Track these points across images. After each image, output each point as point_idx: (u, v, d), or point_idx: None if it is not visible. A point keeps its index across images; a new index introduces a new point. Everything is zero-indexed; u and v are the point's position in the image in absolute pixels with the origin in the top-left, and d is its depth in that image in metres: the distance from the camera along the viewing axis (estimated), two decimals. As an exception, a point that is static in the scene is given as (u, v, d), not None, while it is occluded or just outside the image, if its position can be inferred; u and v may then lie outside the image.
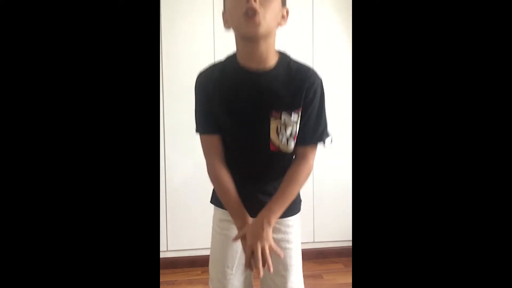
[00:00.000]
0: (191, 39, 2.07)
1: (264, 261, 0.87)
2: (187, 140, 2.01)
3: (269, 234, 0.89)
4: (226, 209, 1.00)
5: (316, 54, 2.19)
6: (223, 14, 0.94)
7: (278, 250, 0.92)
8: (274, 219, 0.91)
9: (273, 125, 0.93)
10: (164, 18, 2.04)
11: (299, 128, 0.95)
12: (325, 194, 2.22)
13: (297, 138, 0.96)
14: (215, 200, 1.06)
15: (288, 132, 0.94)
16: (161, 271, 2.10)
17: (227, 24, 0.92)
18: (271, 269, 0.88)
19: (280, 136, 0.94)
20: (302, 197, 1.08)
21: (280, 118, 0.93)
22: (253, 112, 0.93)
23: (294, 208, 1.03)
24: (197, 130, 1.00)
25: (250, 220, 0.94)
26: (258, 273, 0.87)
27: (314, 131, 0.95)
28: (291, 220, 1.03)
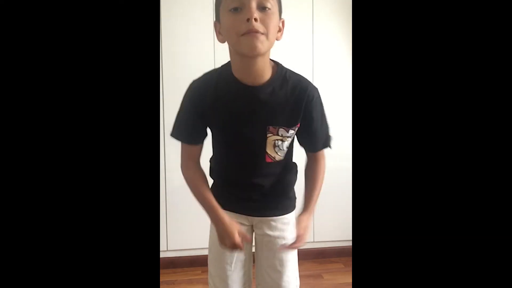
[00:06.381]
0: (191, 39, 2.07)
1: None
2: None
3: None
4: (223, 209, 1.01)
5: (316, 53, 2.19)
6: (215, 24, 0.89)
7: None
8: (312, 215, 0.99)
9: (270, 140, 0.94)
10: (164, 18, 2.04)
11: (305, 137, 0.99)
12: (325, 194, 2.21)
13: (305, 146, 1.02)
14: None
15: (285, 146, 0.97)
16: (161, 271, 2.10)
17: (222, 37, 0.87)
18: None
19: (277, 150, 0.96)
20: (302, 197, 1.09)
21: (277, 134, 0.94)
22: (250, 127, 0.93)
23: (290, 206, 1.08)
24: (174, 136, 0.97)
25: (227, 219, 0.95)
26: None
27: (320, 139, 0.99)
28: (287, 218, 1.06)
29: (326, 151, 1.03)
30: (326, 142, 1.01)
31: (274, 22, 0.82)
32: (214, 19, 0.89)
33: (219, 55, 2.07)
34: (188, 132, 0.96)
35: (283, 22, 0.89)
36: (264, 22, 0.80)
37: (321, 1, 2.16)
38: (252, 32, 0.79)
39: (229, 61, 0.92)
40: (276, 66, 0.93)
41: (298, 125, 0.94)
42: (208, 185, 1.01)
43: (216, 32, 0.89)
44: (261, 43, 0.80)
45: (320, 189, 1.05)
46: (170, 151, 2.09)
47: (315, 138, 0.99)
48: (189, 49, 2.07)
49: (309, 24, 2.16)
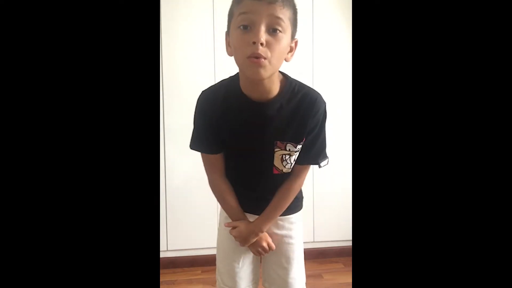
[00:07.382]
0: (191, 40, 2.07)
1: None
2: (187, 140, 2.05)
3: (261, 239, 1.03)
4: None
5: (316, 53, 2.19)
6: (226, 36, 0.86)
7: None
8: (264, 229, 1.02)
9: (277, 154, 0.94)
10: (164, 18, 2.04)
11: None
12: (325, 194, 2.22)
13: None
14: None
15: (292, 159, 0.96)
16: (161, 271, 2.10)
17: (231, 51, 0.84)
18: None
19: (284, 163, 0.96)
20: (305, 197, 1.11)
21: (285, 149, 0.93)
22: (257, 141, 0.92)
23: (297, 205, 1.08)
24: (193, 148, 0.99)
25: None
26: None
27: (313, 153, 0.96)
28: (294, 217, 1.08)
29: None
30: (317, 158, 0.97)
31: (282, 46, 0.79)
32: (226, 30, 0.87)
33: (219, 55, 2.07)
34: (204, 142, 0.97)
35: (296, 42, 0.86)
36: (270, 47, 0.76)
37: (321, 1, 2.16)
38: (255, 58, 0.76)
39: (237, 73, 0.91)
40: (285, 79, 0.91)
41: (304, 139, 0.93)
42: (235, 197, 1.03)
43: (226, 44, 0.87)
44: (264, 70, 0.78)
45: (284, 208, 1.02)
46: (170, 151, 2.09)
47: (307, 151, 0.95)
48: (189, 49, 2.07)
49: (309, 24, 2.16)
